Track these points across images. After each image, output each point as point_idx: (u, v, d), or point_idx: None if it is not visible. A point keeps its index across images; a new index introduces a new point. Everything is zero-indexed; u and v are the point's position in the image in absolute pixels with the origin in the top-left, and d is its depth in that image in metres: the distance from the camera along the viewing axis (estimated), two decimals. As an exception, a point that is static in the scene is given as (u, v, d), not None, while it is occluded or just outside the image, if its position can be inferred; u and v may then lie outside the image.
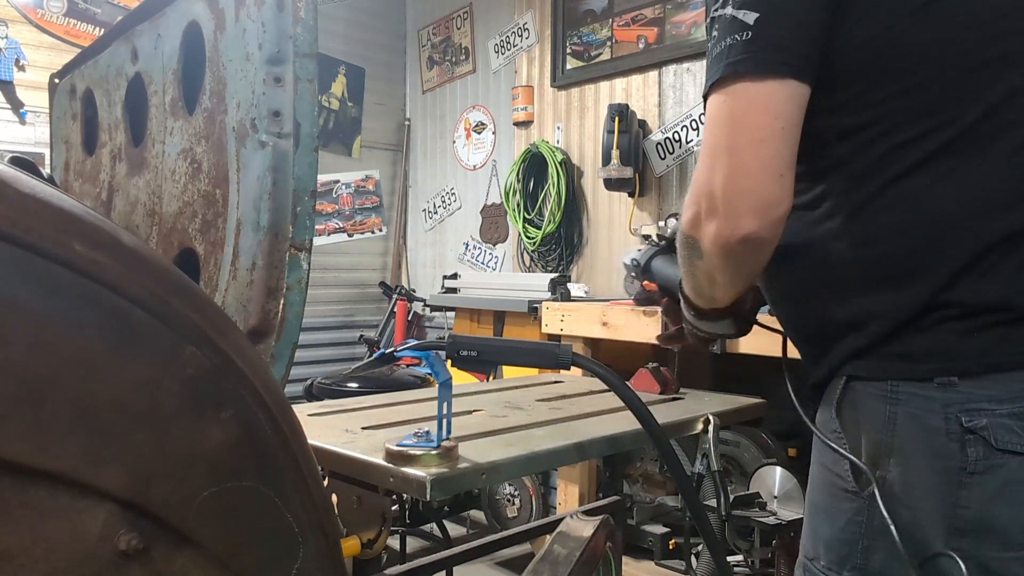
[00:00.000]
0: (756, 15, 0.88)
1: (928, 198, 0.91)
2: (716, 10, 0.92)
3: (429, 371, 1.20)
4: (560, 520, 1.62)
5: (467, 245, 4.77)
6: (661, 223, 3.45)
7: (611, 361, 1.34)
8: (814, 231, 0.98)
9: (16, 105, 3.90)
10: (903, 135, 0.91)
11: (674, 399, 1.89)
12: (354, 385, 3.41)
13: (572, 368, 1.18)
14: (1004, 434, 0.86)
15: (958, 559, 0.85)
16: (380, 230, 5.19)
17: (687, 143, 3.50)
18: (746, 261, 0.97)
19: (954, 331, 0.89)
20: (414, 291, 4.91)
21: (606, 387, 1.15)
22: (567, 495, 2.96)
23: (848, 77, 0.92)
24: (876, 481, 0.93)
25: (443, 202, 4.97)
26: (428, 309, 4.69)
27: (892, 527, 0.89)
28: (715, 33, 0.92)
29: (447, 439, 1.20)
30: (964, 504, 0.88)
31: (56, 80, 1.76)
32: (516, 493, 3.42)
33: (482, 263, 4.66)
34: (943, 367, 0.89)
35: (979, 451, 0.87)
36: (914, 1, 0.90)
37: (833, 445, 0.98)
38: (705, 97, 0.94)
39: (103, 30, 3.72)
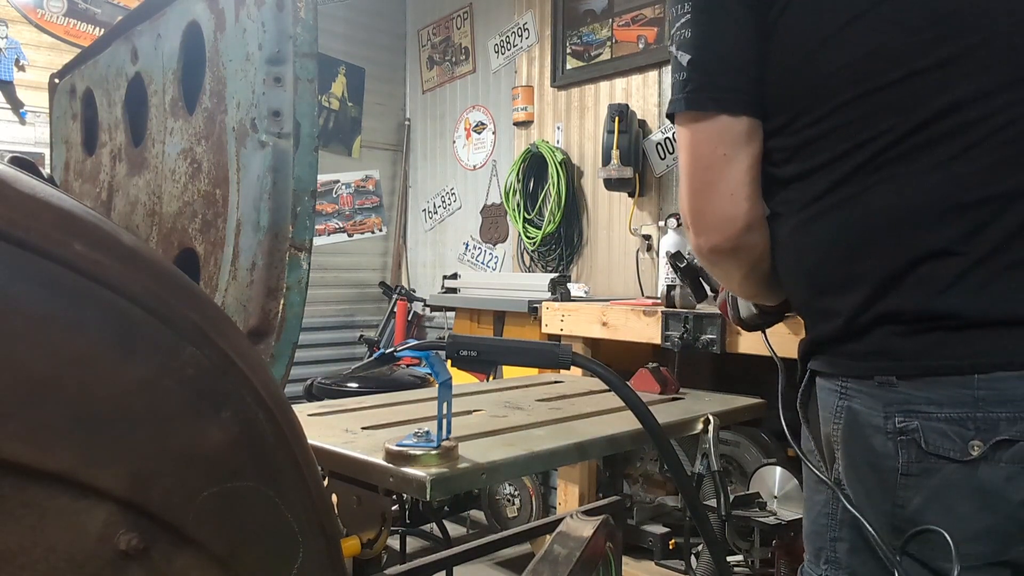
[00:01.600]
0: (688, 56, 0.98)
1: (859, 210, 0.92)
2: (668, 48, 1.03)
3: (429, 371, 1.20)
4: (560, 520, 1.62)
5: (467, 245, 4.77)
6: (661, 223, 3.45)
7: (611, 361, 1.34)
8: (776, 240, 1.04)
9: (16, 105, 3.90)
10: (833, 152, 0.93)
11: (674, 399, 1.90)
12: (354, 385, 3.41)
13: (572, 368, 1.18)
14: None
15: (945, 533, 0.84)
16: (380, 230, 5.19)
17: (687, 143, 3.49)
18: (725, 267, 1.09)
19: (893, 333, 0.90)
20: (414, 291, 4.91)
21: (606, 387, 1.15)
22: (567, 495, 2.96)
23: (780, 102, 0.97)
24: (832, 476, 0.98)
25: (443, 202, 4.97)
26: (428, 309, 4.69)
27: (857, 512, 0.92)
28: (670, 68, 1.04)
29: (447, 439, 1.20)
30: (901, 504, 0.88)
31: (56, 80, 1.76)
32: (516, 493, 3.41)
33: (482, 263, 4.66)
34: (882, 366, 0.90)
35: (911, 453, 0.87)
36: (832, 24, 0.91)
37: (799, 448, 1.05)
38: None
39: (103, 30, 3.72)
